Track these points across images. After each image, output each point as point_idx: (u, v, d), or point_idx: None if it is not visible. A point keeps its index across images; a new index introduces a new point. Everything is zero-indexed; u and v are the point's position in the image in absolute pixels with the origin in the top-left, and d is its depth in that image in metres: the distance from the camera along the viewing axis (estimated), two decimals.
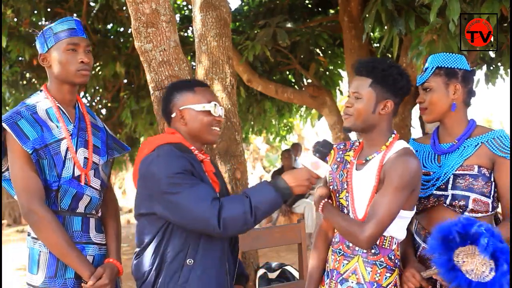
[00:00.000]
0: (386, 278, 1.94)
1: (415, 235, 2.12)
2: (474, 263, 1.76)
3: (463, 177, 1.99)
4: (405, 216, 1.94)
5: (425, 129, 6.05)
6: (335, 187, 2.06)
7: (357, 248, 1.95)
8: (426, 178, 2.06)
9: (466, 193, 1.98)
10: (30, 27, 6.44)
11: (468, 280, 1.74)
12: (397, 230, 1.95)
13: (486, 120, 21.51)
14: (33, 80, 7.46)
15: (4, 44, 5.74)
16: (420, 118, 5.64)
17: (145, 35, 2.51)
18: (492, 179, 1.99)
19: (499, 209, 2.08)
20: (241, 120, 5.69)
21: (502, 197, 2.00)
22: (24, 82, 7.40)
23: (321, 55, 6.83)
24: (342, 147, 2.15)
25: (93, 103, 8.09)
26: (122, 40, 7.35)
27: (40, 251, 2.04)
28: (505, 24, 4.14)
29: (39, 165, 2.01)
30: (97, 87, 7.68)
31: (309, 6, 6.88)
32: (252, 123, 8.66)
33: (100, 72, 6.85)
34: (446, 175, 2.02)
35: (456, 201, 1.99)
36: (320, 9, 6.93)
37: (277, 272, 3.74)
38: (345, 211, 2.00)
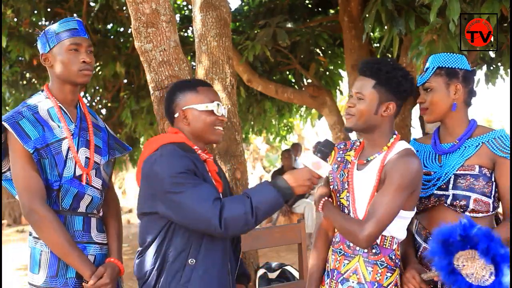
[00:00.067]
0: (387, 278, 1.94)
1: (415, 235, 2.12)
2: (474, 267, 1.76)
3: (464, 177, 1.99)
4: (406, 216, 1.94)
5: (425, 129, 6.05)
6: (336, 187, 2.06)
7: (357, 248, 1.95)
8: (427, 178, 2.06)
9: (467, 193, 1.98)
10: (30, 27, 6.44)
11: (468, 284, 1.74)
12: (398, 230, 1.95)
13: (486, 120, 21.52)
14: (33, 80, 7.46)
15: (4, 44, 5.74)
16: (420, 118, 5.64)
17: (145, 35, 2.50)
18: (493, 179, 2.00)
19: (499, 209, 2.08)
20: (241, 120, 5.71)
21: (502, 197, 2.00)
22: (24, 82, 7.40)
23: (321, 55, 6.83)
24: (342, 146, 2.15)
25: (93, 103, 8.09)
26: (122, 40, 7.34)
27: (42, 251, 2.05)
28: (505, 24, 4.14)
29: (40, 165, 2.02)
30: (97, 87, 7.68)
31: (309, 6, 6.88)
32: (252, 123, 8.66)
33: (100, 72, 6.84)
34: (447, 175, 2.02)
35: (457, 201, 1.99)
36: (320, 9, 6.93)
37: (277, 272, 3.74)
38: (346, 211, 2.00)
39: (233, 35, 5.32)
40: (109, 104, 8.14)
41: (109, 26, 7.48)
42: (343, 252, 2.01)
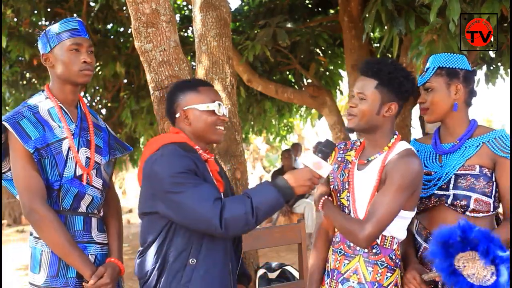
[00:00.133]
0: (387, 278, 1.94)
1: (416, 235, 2.12)
2: (475, 268, 1.76)
3: (465, 177, 1.99)
4: (406, 216, 1.94)
5: (425, 129, 6.04)
6: (336, 187, 2.06)
7: (358, 248, 1.95)
8: (427, 178, 2.06)
9: (468, 193, 1.98)
10: (30, 27, 6.44)
11: (470, 284, 1.74)
12: (398, 230, 1.95)
13: (486, 120, 21.53)
14: (33, 80, 7.46)
15: (4, 44, 5.74)
16: (421, 118, 5.63)
17: (145, 35, 2.50)
18: (493, 179, 2.00)
19: (500, 209, 2.08)
20: (241, 120, 5.70)
21: (502, 197, 2.00)
22: (24, 82, 7.40)
23: (321, 55, 6.83)
24: (342, 146, 2.15)
25: (93, 103, 8.09)
26: (122, 40, 7.34)
27: (42, 251, 2.05)
28: (505, 24, 4.14)
29: (40, 165, 2.02)
30: (97, 87, 7.67)
31: (309, 6, 6.88)
32: (252, 123, 8.67)
33: (100, 72, 6.84)
34: (447, 175, 2.02)
35: (458, 201, 1.99)
36: (320, 9, 6.93)
37: (277, 272, 3.74)
38: (346, 211, 2.00)
39: (233, 35, 5.32)
40: (109, 104, 8.14)
41: (109, 26, 7.48)
42: (343, 252, 2.01)
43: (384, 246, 1.94)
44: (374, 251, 1.94)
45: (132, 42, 5.99)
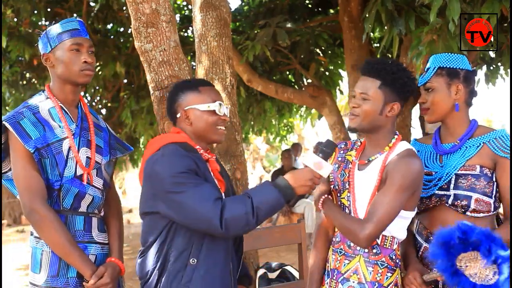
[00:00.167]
0: (387, 278, 1.94)
1: (416, 235, 2.12)
2: (477, 267, 1.76)
3: (465, 177, 1.99)
4: (406, 217, 1.94)
5: (426, 129, 6.05)
6: (337, 187, 2.06)
7: (358, 248, 1.95)
8: (428, 178, 2.06)
9: (468, 193, 1.98)
10: (30, 27, 6.44)
11: (473, 284, 1.74)
12: (398, 230, 1.95)
13: (487, 120, 21.54)
14: (33, 80, 7.45)
15: (4, 44, 5.74)
16: (421, 118, 5.64)
17: (145, 35, 2.50)
18: (494, 179, 2.00)
19: (501, 209, 2.08)
20: (241, 120, 5.70)
21: (503, 197, 2.01)
22: (24, 82, 7.39)
23: (321, 55, 6.83)
24: (343, 146, 2.15)
25: (93, 103, 8.09)
26: (122, 40, 7.34)
27: (43, 251, 2.05)
28: (505, 24, 4.14)
29: (41, 164, 2.02)
30: (97, 87, 7.68)
31: (309, 6, 6.88)
32: (252, 123, 8.66)
33: (100, 72, 6.84)
34: (448, 175, 2.02)
35: (458, 201, 1.99)
36: (320, 9, 6.93)
37: (277, 272, 3.75)
38: (347, 211, 2.00)
39: (233, 35, 5.32)
40: (109, 104, 8.14)
41: (109, 26, 7.48)
42: (343, 252, 2.01)
43: (385, 246, 1.94)
44: (374, 251, 1.94)
45: (132, 42, 5.99)
